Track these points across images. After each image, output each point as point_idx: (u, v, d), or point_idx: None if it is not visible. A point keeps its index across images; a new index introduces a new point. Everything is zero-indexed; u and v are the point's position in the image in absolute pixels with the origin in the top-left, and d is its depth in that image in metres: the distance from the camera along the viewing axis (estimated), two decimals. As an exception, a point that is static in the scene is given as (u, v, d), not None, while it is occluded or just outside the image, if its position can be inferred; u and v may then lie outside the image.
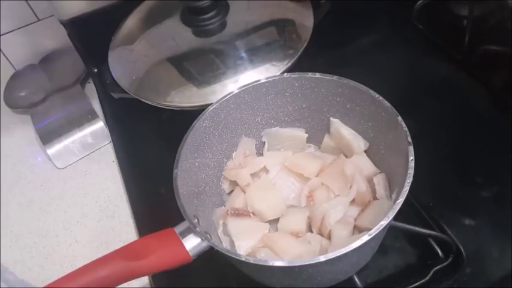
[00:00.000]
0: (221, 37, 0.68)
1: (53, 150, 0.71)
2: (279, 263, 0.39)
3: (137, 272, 0.42)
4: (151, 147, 0.70)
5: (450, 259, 0.49)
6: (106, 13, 0.72)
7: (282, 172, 0.55)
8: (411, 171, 0.41)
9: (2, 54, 0.84)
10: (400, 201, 0.39)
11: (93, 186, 0.68)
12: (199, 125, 0.51)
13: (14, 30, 0.82)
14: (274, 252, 0.47)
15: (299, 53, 0.63)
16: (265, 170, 0.56)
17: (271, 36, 0.68)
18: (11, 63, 0.86)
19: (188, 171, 0.49)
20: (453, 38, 0.70)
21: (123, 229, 0.61)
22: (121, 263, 0.40)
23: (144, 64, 0.70)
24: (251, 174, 0.55)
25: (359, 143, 0.54)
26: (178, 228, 0.43)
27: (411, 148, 0.43)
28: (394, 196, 0.48)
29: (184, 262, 0.43)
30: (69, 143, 0.72)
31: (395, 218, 0.39)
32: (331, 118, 0.56)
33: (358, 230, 0.48)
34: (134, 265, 0.41)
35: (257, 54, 0.65)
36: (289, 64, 0.62)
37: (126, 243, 0.43)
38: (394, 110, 0.47)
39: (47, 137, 0.73)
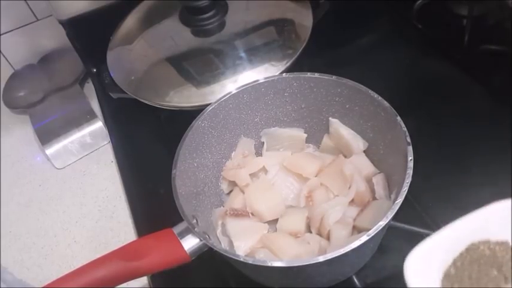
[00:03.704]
0: (220, 37, 0.68)
1: (51, 150, 0.71)
2: (277, 264, 0.39)
3: (136, 272, 0.42)
4: (150, 148, 0.70)
5: (449, 259, 0.49)
6: (105, 13, 0.72)
7: (281, 172, 0.55)
8: (410, 171, 0.41)
9: (1, 54, 0.84)
10: (399, 201, 0.39)
11: (91, 187, 0.68)
12: (198, 125, 0.51)
13: (12, 30, 0.82)
14: (273, 252, 0.47)
15: (298, 53, 0.63)
16: (264, 170, 0.56)
17: (270, 36, 0.68)
18: (10, 63, 0.86)
19: (187, 172, 0.49)
20: (453, 38, 0.70)
21: (121, 229, 0.61)
22: (120, 263, 0.40)
23: (142, 64, 0.70)
24: (250, 175, 0.54)
25: (358, 143, 0.53)
26: (176, 229, 0.43)
27: (410, 148, 0.43)
28: (393, 196, 0.48)
29: (183, 262, 0.43)
30: (68, 143, 0.72)
31: (395, 218, 0.39)
32: (330, 118, 0.55)
33: (357, 230, 0.48)
34: (133, 265, 0.41)
35: (256, 54, 0.65)
36: (288, 64, 0.62)
37: (124, 244, 0.43)
38: (393, 110, 0.47)
39: (46, 137, 0.73)
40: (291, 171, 0.55)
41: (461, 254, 0.30)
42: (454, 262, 0.29)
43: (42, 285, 0.39)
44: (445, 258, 0.30)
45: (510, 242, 0.29)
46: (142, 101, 0.65)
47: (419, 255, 0.30)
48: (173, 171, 0.47)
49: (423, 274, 0.29)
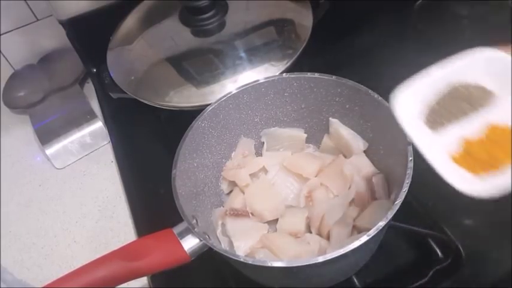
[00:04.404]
0: (220, 37, 0.68)
1: (51, 150, 0.71)
2: (277, 264, 0.39)
3: (136, 273, 0.42)
4: (150, 148, 0.70)
5: (449, 259, 0.49)
6: (105, 13, 0.72)
7: (281, 172, 0.55)
8: (410, 172, 0.41)
9: (1, 54, 0.84)
10: (399, 201, 0.39)
11: (91, 187, 0.68)
12: (198, 125, 0.51)
13: (12, 30, 0.82)
14: (273, 252, 0.47)
15: (298, 53, 0.63)
16: (264, 170, 0.56)
17: (270, 36, 0.68)
18: (10, 63, 0.86)
19: (187, 172, 0.49)
20: (453, 38, 0.70)
21: (121, 229, 0.61)
22: (119, 263, 0.40)
23: (142, 64, 0.69)
24: (250, 175, 0.54)
25: (358, 143, 0.53)
26: (176, 229, 0.43)
27: (410, 148, 0.43)
28: (393, 196, 0.48)
29: (183, 262, 0.43)
30: (68, 143, 0.72)
31: (395, 218, 0.39)
32: (330, 118, 0.55)
33: (357, 230, 0.48)
34: (133, 265, 0.41)
35: (256, 54, 0.65)
36: (288, 64, 0.62)
37: (124, 244, 0.43)
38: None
39: (46, 137, 0.73)
40: (291, 171, 0.55)
41: (443, 94, 0.35)
42: (438, 101, 0.35)
43: (42, 285, 0.39)
44: (429, 94, 0.35)
45: (487, 87, 0.34)
46: (142, 101, 0.65)
47: (406, 88, 0.34)
48: (173, 171, 0.47)
49: (409, 106, 0.34)
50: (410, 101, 0.35)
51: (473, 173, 0.33)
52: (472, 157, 0.33)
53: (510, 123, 0.33)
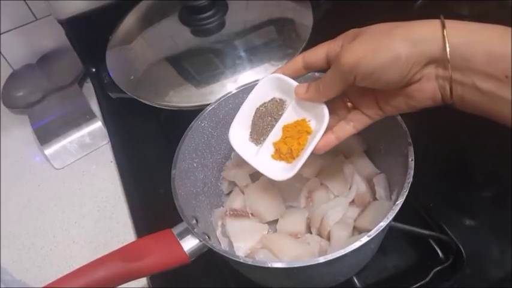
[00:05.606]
0: (220, 36, 0.68)
1: (50, 150, 0.71)
2: (277, 265, 0.39)
3: (135, 273, 0.41)
4: (150, 148, 0.69)
5: (450, 260, 0.49)
6: (104, 12, 0.72)
7: (281, 172, 0.55)
8: (411, 172, 0.41)
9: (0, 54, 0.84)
10: (400, 202, 0.39)
11: (91, 187, 0.67)
12: (198, 125, 0.51)
13: (11, 30, 0.82)
14: (273, 253, 0.47)
15: (298, 53, 0.63)
16: (264, 170, 0.56)
17: (270, 36, 0.67)
18: (9, 63, 0.86)
19: (186, 172, 0.49)
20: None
21: (121, 230, 0.61)
22: (119, 264, 0.40)
23: (142, 64, 0.69)
24: (250, 175, 0.54)
25: (359, 143, 0.53)
26: (176, 229, 0.43)
27: (411, 148, 0.43)
28: (393, 197, 0.48)
29: (182, 263, 0.43)
30: (67, 143, 0.72)
31: (395, 219, 0.39)
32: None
33: (357, 231, 0.48)
34: (132, 266, 0.41)
35: (256, 54, 0.65)
36: (288, 64, 0.62)
37: (124, 244, 0.42)
38: (394, 109, 0.47)
39: (45, 137, 0.72)
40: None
41: (253, 117, 0.47)
42: (252, 123, 0.47)
43: (42, 286, 0.39)
44: (247, 121, 0.47)
45: (279, 98, 0.46)
46: (142, 101, 0.65)
47: (234, 123, 0.46)
48: (173, 172, 0.47)
49: (238, 134, 0.46)
50: (238, 131, 0.46)
51: (287, 162, 0.45)
52: (280, 153, 0.45)
53: (295, 118, 0.45)
